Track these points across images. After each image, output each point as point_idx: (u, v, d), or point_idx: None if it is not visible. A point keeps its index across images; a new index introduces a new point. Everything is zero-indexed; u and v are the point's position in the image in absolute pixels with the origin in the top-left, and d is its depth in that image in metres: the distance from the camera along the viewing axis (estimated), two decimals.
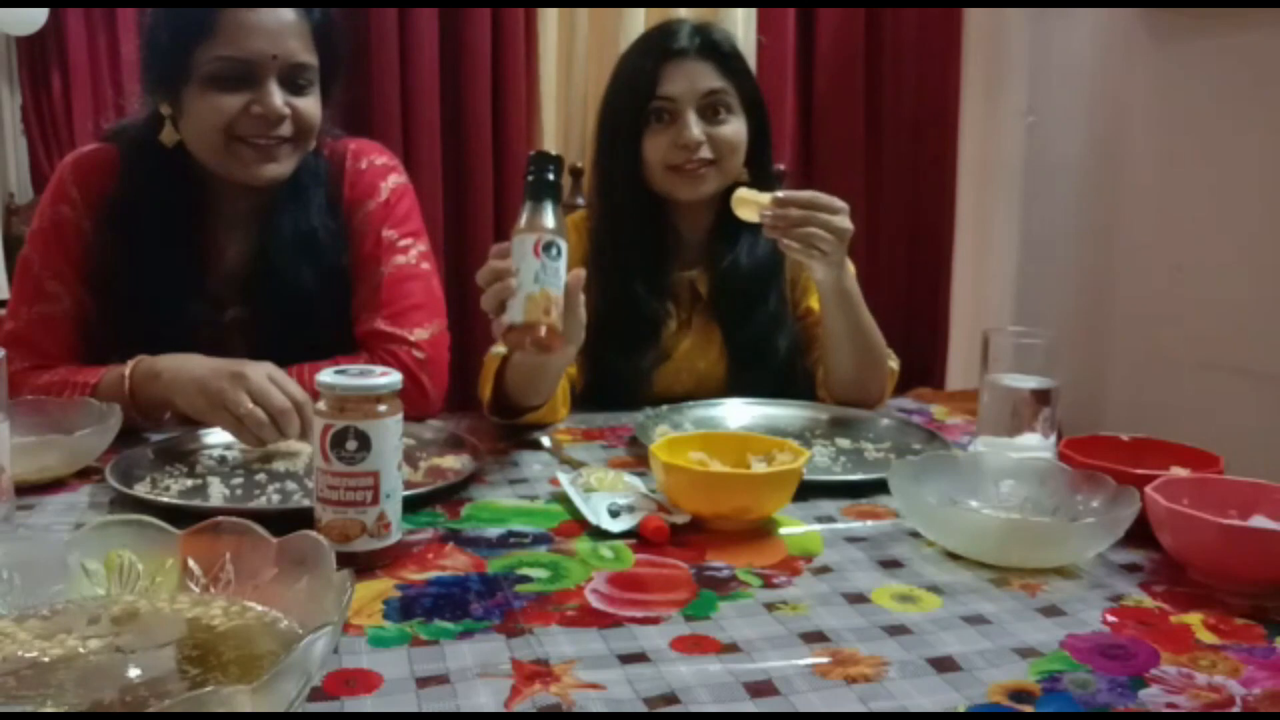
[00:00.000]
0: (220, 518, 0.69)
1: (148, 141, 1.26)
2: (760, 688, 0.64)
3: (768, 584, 0.81)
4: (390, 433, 0.81)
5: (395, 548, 0.83)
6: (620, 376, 1.41)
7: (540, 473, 1.09)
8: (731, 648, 0.69)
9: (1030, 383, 1.05)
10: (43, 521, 0.92)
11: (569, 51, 2.16)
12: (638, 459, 1.13)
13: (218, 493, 0.97)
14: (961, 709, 0.62)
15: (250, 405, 1.04)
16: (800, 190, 1.25)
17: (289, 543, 0.67)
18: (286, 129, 1.22)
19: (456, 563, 0.84)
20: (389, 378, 0.81)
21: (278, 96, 1.20)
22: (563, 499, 0.99)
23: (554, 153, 1.01)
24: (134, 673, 0.60)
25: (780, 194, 1.24)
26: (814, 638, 0.71)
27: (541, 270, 0.96)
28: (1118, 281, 2.02)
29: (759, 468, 0.96)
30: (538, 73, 2.13)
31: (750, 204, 1.26)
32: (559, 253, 0.97)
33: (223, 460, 1.09)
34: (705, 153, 1.38)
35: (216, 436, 1.13)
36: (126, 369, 1.16)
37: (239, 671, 0.59)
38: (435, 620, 0.73)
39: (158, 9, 1.22)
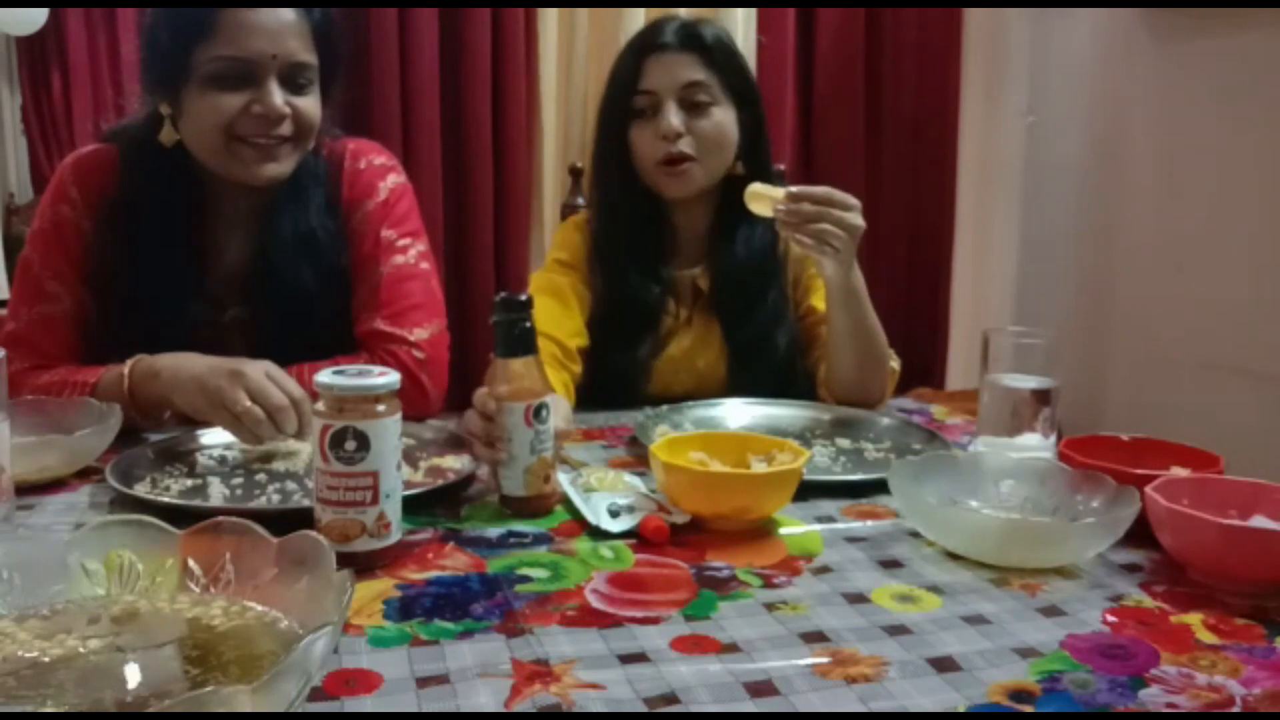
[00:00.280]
0: (220, 518, 0.70)
1: (148, 141, 1.26)
2: (760, 688, 0.64)
3: (768, 584, 0.81)
4: (389, 433, 0.81)
5: (395, 548, 0.83)
6: (619, 368, 1.42)
7: None
8: (731, 648, 0.69)
9: (1030, 383, 1.05)
10: (43, 521, 0.92)
11: (569, 51, 2.16)
12: (638, 459, 1.13)
13: (218, 493, 0.97)
14: (961, 709, 0.62)
15: (248, 403, 1.04)
16: (814, 186, 1.25)
17: (289, 543, 0.67)
18: (286, 129, 1.22)
19: (456, 563, 0.84)
20: (387, 378, 0.81)
21: (278, 96, 1.20)
22: (563, 499, 0.99)
23: (523, 296, 0.96)
24: (134, 673, 0.60)
25: (794, 189, 1.24)
26: (814, 638, 0.71)
27: (535, 439, 0.94)
28: (1118, 281, 2.01)
29: (759, 468, 0.96)
30: (538, 73, 2.12)
31: (764, 199, 1.27)
32: (548, 412, 0.95)
33: (223, 460, 1.09)
34: (687, 146, 1.38)
35: (216, 436, 1.13)
36: (125, 368, 1.16)
37: (239, 671, 0.59)
38: (435, 620, 0.73)
39: (158, 9, 1.22)
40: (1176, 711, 0.63)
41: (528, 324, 0.95)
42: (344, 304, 1.33)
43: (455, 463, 1.07)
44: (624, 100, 1.42)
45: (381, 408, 0.81)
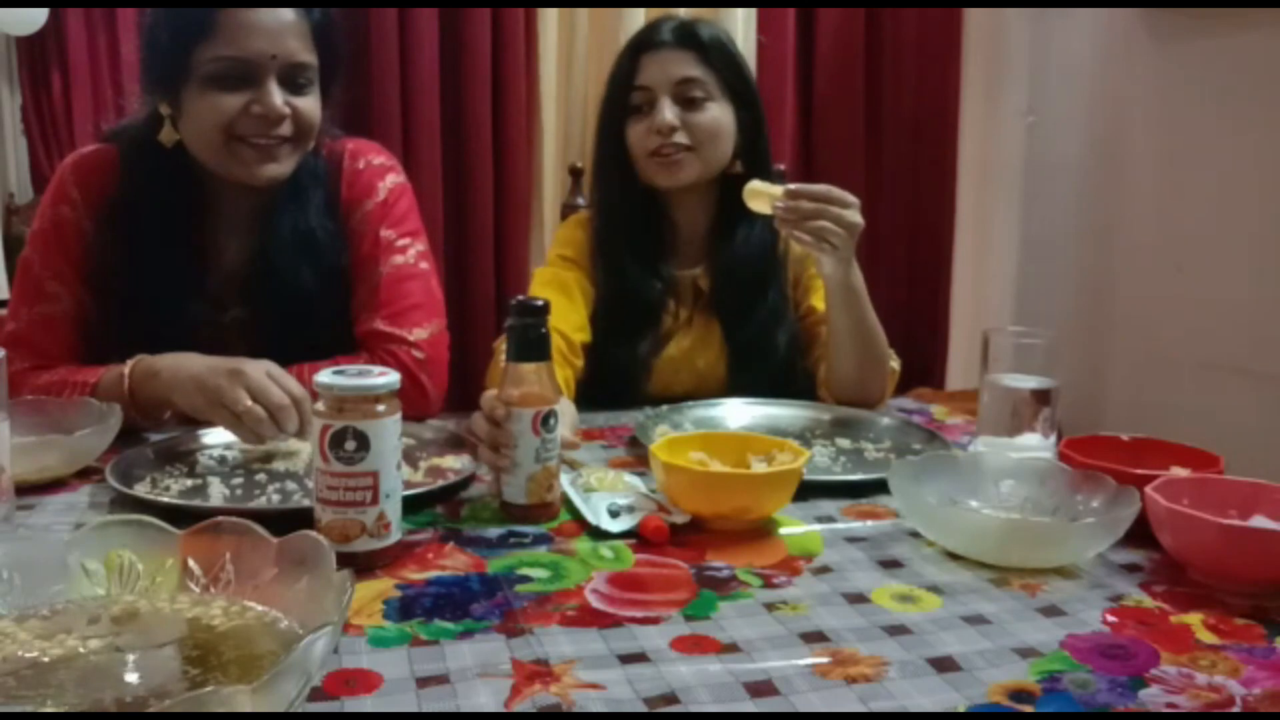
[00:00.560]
0: (220, 518, 0.70)
1: (148, 142, 1.26)
2: (760, 688, 0.64)
3: (768, 584, 0.81)
4: (389, 433, 0.81)
5: (395, 548, 0.83)
6: (619, 365, 1.42)
7: None
8: (731, 648, 0.69)
9: (1030, 383, 1.05)
10: (43, 521, 0.92)
11: (569, 51, 2.16)
12: (638, 459, 1.13)
13: (218, 493, 0.97)
14: (961, 709, 0.62)
15: (249, 402, 1.04)
16: (813, 184, 1.25)
17: (289, 543, 0.67)
18: (286, 129, 1.22)
19: (456, 563, 0.84)
20: (387, 378, 0.81)
21: (277, 96, 1.20)
22: (563, 499, 0.99)
23: (539, 301, 0.94)
24: (134, 673, 0.60)
25: (793, 186, 1.24)
26: (814, 638, 0.71)
27: (541, 447, 0.93)
28: (1118, 281, 2.01)
29: (759, 468, 0.96)
30: (538, 73, 2.12)
31: (763, 195, 1.27)
32: (556, 421, 0.94)
33: (223, 460, 1.09)
34: (681, 138, 1.39)
35: (216, 436, 1.13)
36: (126, 368, 1.16)
37: (239, 671, 0.59)
38: (435, 620, 0.73)
39: (158, 9, 1.22)
40: (1176, 711, 0.63)
41: (543, 330, 0.94)
42: (344, 304, 1.33)
43: (455, 463, 1.07)
44: (621, 97, 1.43)
45: (381, 408, 0.81)
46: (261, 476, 1.03)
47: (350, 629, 0.71)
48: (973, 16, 2.30)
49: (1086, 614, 0.76)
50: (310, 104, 1.24)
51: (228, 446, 1.12)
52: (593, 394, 1.39)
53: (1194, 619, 0.76)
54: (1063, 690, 0.65)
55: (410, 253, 1.34)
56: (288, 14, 1.20)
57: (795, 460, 0.94)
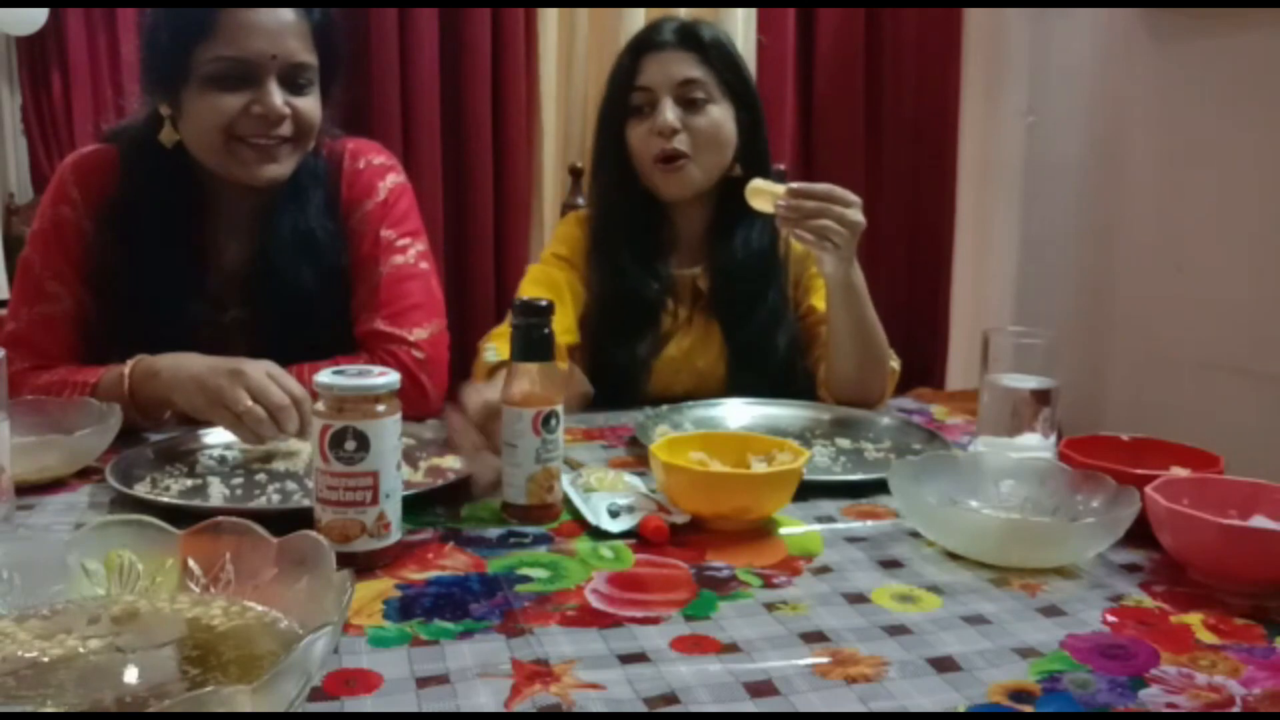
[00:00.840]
0: (220, 518, 0.69)
1: (148, 142, 1.26)
2: (760, 688, 0.64)
3: (768, 584, 0.81)
4: (389, 432, 0.81)
5: (395, 548, 0.83)
6: (618, 365, 1.42)
7: None
8: (731, 648, 0.69)
9: (1030, 383, 1.05)
10: (43, 521, 0.92)
11: (569, 51, 2.16)
12: (638, 459, 1.13)
13: (218, 493, 0.97)
14: (961, 709, 0.62)
15: (249, 402, 1.04)
16: (815, 183, 1.25)
17: (289, 543, 0.67)
18: (286, 129, 1.22)
19: (456, 563, 0.84)
20: (387, 378, 0.81)
21: (277, 96, 1.20)
22: (563, 499, 0.99)
23: (544, 302, 0.94)
24: (134, 673, 0.60)
25: (795, 185, 1.24)
26: (814, 638, 0.71)
27: (542, 447, 0.93)
28: (1118, 281, 2.01)
29: (759, 468, 0.96)
30: (538, 73, 2.13)
31: (765, 194, 1.27)
32: (558, 421, 0.94)
33: (223, 460, 1.09)
34: (682, 143, 1.38)
35: (216, 436, 1.13)
36: (126, 368, 1.16)
37: (239, 671, 0.59)
38: (435, 620, 0.73)
39: (158, 9, 1.23)
40: (1176, 711, 0.63)
41: (546, 330, 0.94)
42: (344, 304, 1.33)
43: (455, 463, 1.07)
44: (621, 98, 1.43)
45: (381, 408, 0.81)
46: (261, 476, 1.03)
47: (350, 629, 0.71)
48: (973, 16, 2.30)
49: (1086, 614, 0.76)
50: (310, 104, 1.24)
51: (228, 446, 1.12)
52: (594, 392, 1.40)
53: (1194, 619, 0.76)
54: (1063, 690, 0.65)
55: (410, 253, 1.34)
56: (288, 14, 1.20)
57: (795, 460, 0.94)
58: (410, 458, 1.07)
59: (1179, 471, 0.94)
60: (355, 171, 1.36)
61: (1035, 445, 1.04)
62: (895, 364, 1.42)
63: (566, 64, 2.16)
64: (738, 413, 1.31)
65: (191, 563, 0.69)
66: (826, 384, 1.41)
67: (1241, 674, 0.67)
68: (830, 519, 0.96)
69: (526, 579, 0.81)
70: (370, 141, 1.42)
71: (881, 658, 0.68)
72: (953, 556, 0.86)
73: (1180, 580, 0.83)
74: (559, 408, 0.94)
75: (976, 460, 0.99)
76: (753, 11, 2.21)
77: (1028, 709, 0.62)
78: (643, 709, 0.61)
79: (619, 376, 1.42)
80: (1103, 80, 2.07)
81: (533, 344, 0.94)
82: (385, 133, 1.93)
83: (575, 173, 1.91)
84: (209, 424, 1.13)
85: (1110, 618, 0.76)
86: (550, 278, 1.43)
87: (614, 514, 0.92)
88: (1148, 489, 0.85)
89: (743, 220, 1.42)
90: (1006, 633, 0.73)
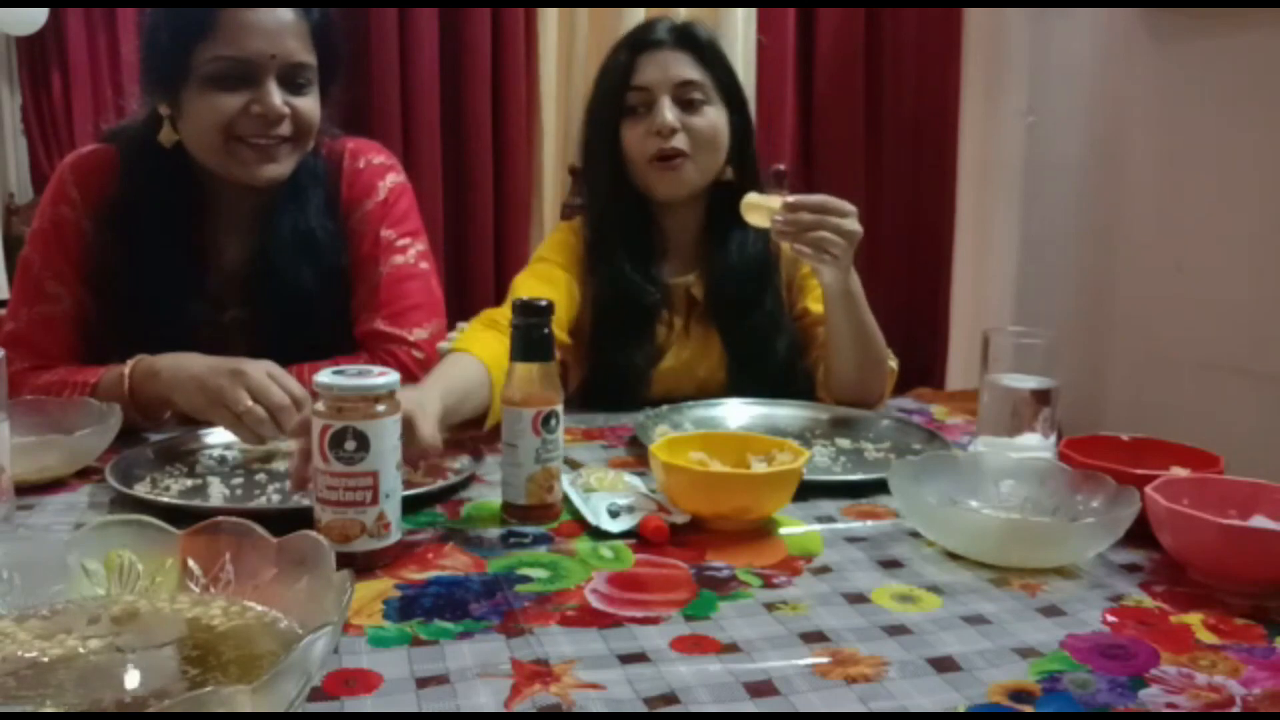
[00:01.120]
0: (220, 518, 0.69)
1: (147, 142, 1.26)
2: (760, 688, 0.64)
3: (768, 584, 0.81)
4: (389, 433, 0.81)
5: (395, 548, 0.83)
6: (616, 373, 1.41)
7: None
8: (731, 648, 0.69)
9: (1030, 383, 1.05)
10: (43, 521, 0.92)
11: (569, 51, 2.16)
12: (638, 459, 1.13)
13: (218, 493, 0.97)
14: (961, 709, 0.62)
15: (249, 402, 1.04)
16: (809, 194, 1.24)
17: (289, 543, 0.67)
18: (286, 129, 1.22)
19: (456, 563, 0.84)
20: (387, 378, 0.81)
21: (277, 96, 1.20)
22: (563, 499, 0.99)
23: (543, 301, 0.94)
24: (134, 673, 0.60)
25: (790, 199, 1.23)
26: (814, 638, 0.71)
27: (542, 447, 0.93)
28: (1118, 281, 2.02)
29: (759, 468, 0.96)
30: (538, 73, 2.13)
31: (761, 209, 1.26)
32: (557, 422, 0.94)
33: (223, 460, 1.09)
34: (681, 143, 1.37)
35: (216, 436, 1.13)
36: (126, 368, 1.16)
37: (239, 671, 0.59)
38: (435, 620, 0.73)
39: (158, 9, 1.22)
40: (1176, 711, 0.63)
41: (545, 330, 0.94)
42: (344, 304, 1.33)
43: (455, 463, 1.07)
44: (616, 97, 1.40)
45: (381, 408, 0.81)
46: (261, 476, 1.03)
47: (350, 629, 0.71)
48: (973, 16, 2.30)
49: (1086, 614, 0.76)
50: (310, 104, 1.24)
51: (228, 446, 1.12)
52: (593, 400, 1.39)
53: (1194, 619, 0.76)
54: (1063, 690, 0.65)
55: (410, 253, 1.34)
56: (287, 14, 1.20)
57: (795, 460, 0.94)
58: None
59: (1179, 471, 0.94)
60: (355, 171, 1.36)
61: (1035, 445, 1.04)
62: (893, 364, 1.42)
63: (566, 64, 2.17)
64: (737, 413, 1.31)
65: (191, 563, 0.69)
66: (826, 385, 1.41)
67: (1241, 674, 0.67)
68: (830, 519, 0.96)
69: (526, 579, 0.81)
70: (370, 141, 1.42)
71: (881, 658, 0.68)
72: (953, 556, 0.86)
73: (1180, 580, 0.83)
74: (559, 408, 0.94)
75: (976, 460, 0.99)
76: (753, 11, 2.22)
77: (1028, 709, 0.62)
78: (643, 709, 0.61)
79: (618, 383, 1.41)
80: (1103, 80, 2.07)
81: (533, 344, 0.94)
82: (385, 133, 1.93)
83: (575, 173, 1.91)
84: (209, 424, 1.13)
85: (1110, 618, 0.75)
86: (550, 274, 1.41)
87: (614, 514, 0.92)
88: (1148, 489, 0.85)
89: (735, 226, 1.40)
90: (1006, 633, 0.72)
